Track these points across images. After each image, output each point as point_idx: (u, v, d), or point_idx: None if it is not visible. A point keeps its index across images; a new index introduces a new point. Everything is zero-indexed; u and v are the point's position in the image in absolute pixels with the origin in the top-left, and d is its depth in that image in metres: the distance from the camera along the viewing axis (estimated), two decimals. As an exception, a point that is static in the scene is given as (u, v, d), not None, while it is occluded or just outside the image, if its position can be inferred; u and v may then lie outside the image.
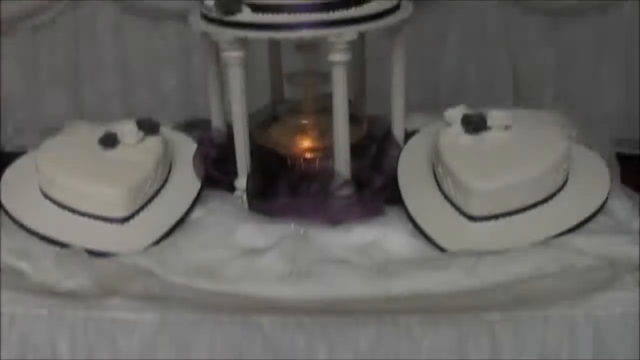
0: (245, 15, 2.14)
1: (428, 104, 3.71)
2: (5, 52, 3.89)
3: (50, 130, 3.79)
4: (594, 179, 2.28)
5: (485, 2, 3.60)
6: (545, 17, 3.62)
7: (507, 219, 2.12)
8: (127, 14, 3.77)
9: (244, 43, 2.15)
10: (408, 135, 2.47)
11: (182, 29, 3.63)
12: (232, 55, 2.16)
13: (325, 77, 2.30)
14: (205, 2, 2.20)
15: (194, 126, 2.64)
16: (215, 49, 2.32)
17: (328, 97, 2.26)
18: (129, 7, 3.73)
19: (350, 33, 2.09)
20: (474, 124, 2.24)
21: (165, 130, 2.47)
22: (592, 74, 3.73)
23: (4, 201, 2.31)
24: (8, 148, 4.07)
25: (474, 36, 3.66)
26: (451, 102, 3.63)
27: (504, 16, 3.63)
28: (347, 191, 2.21)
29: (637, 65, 3.69)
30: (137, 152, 2.29)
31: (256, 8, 2.14)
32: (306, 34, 2.10)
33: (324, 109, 2.37)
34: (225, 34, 2.14)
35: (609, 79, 3.75)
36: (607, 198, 2.22)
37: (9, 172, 2.46)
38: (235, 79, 2.18)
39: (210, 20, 2.20)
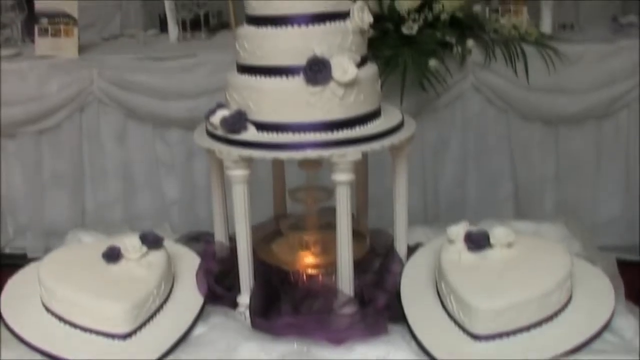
0: (250, 133, 2.18)
1: (429, 211, 3.73)
2: (9, 153, 3.92)
3: (52, 233, 3.84)
4: (598, 297, 2.27)
5: (487, 110, 3.65)
6: (545, 125, 3.66)
7: (511, 338, 2.10)
8: (131, 119, 3.81)
9: (248, 162, 2.17)
10: (410, 249, 2.47)
11: (185, 135, 3.68)
12: (237, 174, 2.18)
13: (328, 192, 2.33)
14: (211, 119, 2.24)
15: (197, 239, 2.64)
16: (219, 164, 2.34)
17: (331, 212, 2.27)
18: (133, 113, 3.77)
19: (354, 153, 2.12)
20: (477, 242, 2.24)
21: (169, 243, 2.47)
22: (592, 181, 3.76)
23: (4, 314, 2.29)
24: (8, 250, 4.06)
25: (475, 144, 3.69)
26: (452, 210, 3.70)
27: (505, 124, 3.67)
28: (350, 309, 2.20)
29: (636, 172, 3.73)
30: (141, 267, 2.29)
31: (261, 127, 2.17)
32: (310, 154, 2.12)
33: (327, 224, 2.38)
34: (230, 153, 2.16)
35: (609, 185, 3.77)
36: (612, 316, 2.21)
37: (10, 284, 2.45)
38: (240, 196, 2.20)
39: (216, 137, 2.23)
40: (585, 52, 3.58)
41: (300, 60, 2.11)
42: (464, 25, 3.48)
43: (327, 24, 2.14)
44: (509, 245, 2.26)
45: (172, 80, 3.67)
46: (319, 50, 2.11)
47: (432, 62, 3.30)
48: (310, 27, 2.13)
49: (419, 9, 3.38)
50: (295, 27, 2.13)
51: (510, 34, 3.55)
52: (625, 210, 3.78)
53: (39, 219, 3.95)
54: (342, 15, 2.17)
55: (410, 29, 3.32)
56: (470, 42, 3.41)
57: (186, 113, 3.60)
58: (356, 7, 2.17)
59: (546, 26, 3.76)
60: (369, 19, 2.20)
